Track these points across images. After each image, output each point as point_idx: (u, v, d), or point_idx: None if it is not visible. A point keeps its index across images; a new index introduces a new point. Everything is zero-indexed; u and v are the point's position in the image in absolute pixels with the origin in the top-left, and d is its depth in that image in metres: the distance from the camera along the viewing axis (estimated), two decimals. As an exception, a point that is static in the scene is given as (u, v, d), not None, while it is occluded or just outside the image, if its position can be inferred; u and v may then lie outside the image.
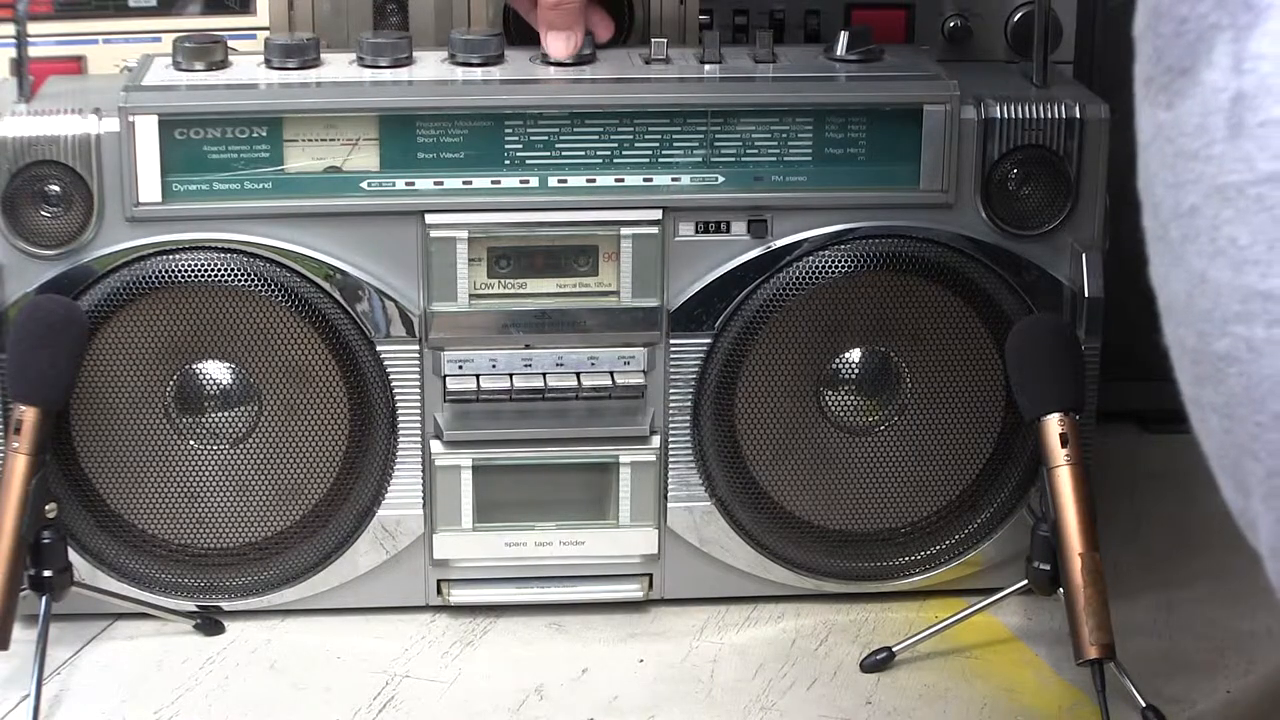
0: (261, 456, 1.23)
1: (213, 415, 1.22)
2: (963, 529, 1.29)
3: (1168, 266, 0.71)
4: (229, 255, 1.20)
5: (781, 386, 1.25)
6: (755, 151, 1.22)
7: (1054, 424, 1.17)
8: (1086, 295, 1.23)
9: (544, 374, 1.24)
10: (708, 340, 1.24)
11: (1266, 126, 0.66)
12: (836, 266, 1.23)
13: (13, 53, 1.20)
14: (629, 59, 1.27)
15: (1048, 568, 1.18)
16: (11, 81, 1.22)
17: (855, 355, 1.25)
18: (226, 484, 1.24)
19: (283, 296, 1.20)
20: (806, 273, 1.23)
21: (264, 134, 1.19)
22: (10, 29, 1.21)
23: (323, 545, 1.25)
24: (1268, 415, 0.68)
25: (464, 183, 1.21)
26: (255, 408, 1.23)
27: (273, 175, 1.20)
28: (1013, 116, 1.22)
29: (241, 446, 1.23)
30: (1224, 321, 0.68)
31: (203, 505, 1.24)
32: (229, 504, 1.24)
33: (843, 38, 1.27)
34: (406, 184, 1.21)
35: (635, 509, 1.26)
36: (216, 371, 1.22)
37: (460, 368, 1.23)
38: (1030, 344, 1.20)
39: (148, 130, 1.18)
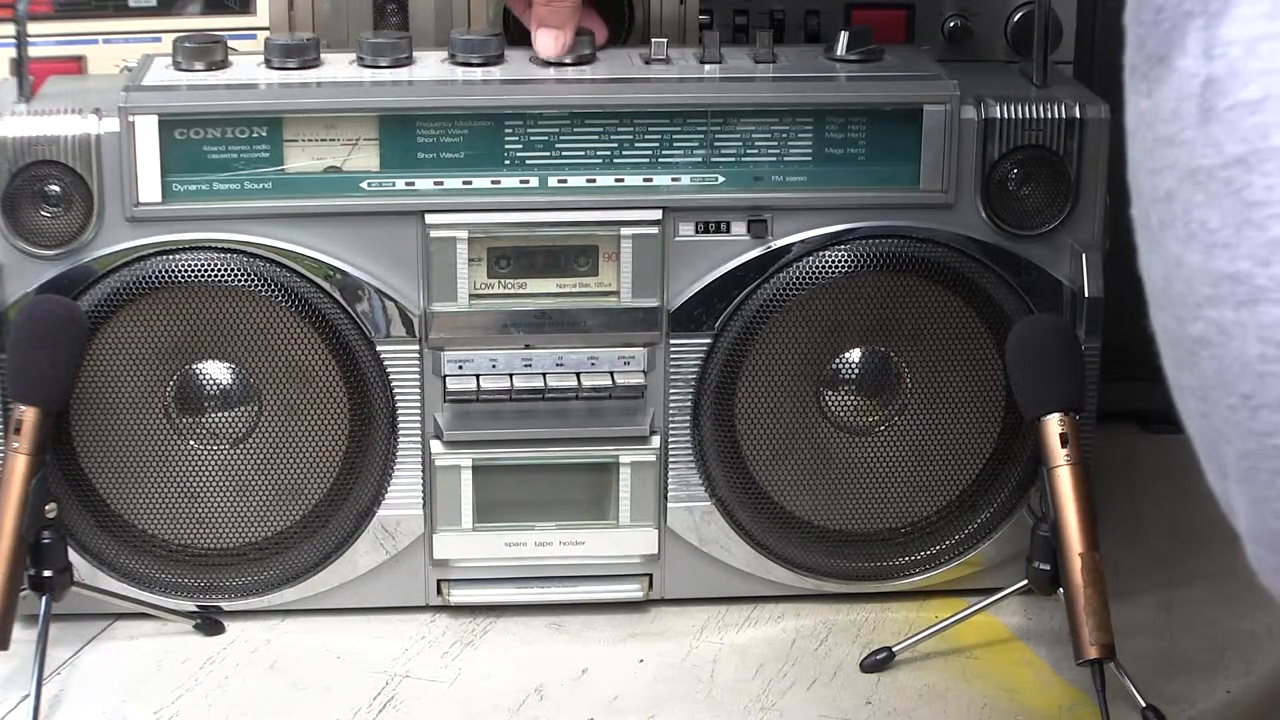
0: (261, 456, 1.23)
1: (213, 415, 1.22)
2: (963, 529, 1.29)
3: (1149, 253, 0.72)
4: (229, 255, 1.20)
5: (781, 386, 1.25)
6: (755, 151, 1.22)
7: (1054, 424, 1.17)
8: (1086, 295, 1.23)
9: (544, 374, 1.24)
10: (708, 340, 1.24)
11: (1235, 110, 0.66)
12: (836, 266, 1.23)
13: (13, 53, 1.20)
14: (629, 59, 1.27)
15: (1048, 568, 1.17)
16: (11, 81, 1.22)
17: (855, 355, 1.25)
18: (226, 484, 1.24)
19: (283, 296, 1.20)
20: (806, 273, 1.23)
21: (264, 134, 1.19)
22: (10, 29, 1.21)
23: (323, 545, 1.25)
24: (1237, 397, 0.68)
25: (464, 183, 1.21)
26: (255, 408, 1.23)
27: (273, 175, 1.20)
28: (1013, 116, 1.22)
29: (241, 446, 1.23)
30: (1197, 305, 0.69)
31: (203, 505, 1.24)
32: (229, 504, 1.24)
33: (843, 38, 1.27)
34: (406, 184, 1.21)
35: (635, 509, 1.26)
36: (216, 371, 1.22)
37: (460, 368, 1.23)
38: (1030, 344, 1.20)
39: (148, 130, 1.18)
